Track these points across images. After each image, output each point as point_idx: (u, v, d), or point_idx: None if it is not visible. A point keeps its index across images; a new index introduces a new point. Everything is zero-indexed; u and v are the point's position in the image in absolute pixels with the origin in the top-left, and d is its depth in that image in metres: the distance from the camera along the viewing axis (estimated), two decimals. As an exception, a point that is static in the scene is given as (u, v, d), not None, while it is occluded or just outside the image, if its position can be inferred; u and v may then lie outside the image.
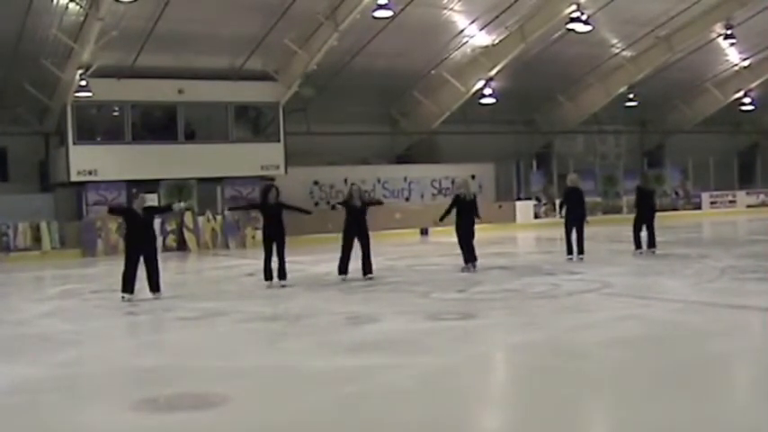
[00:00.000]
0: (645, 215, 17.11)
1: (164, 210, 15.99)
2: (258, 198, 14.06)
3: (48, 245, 22.75)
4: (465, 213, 14.90)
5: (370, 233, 14.04)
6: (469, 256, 14.94)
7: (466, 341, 8.35)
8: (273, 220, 13.41)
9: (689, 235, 23.64)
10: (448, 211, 15.15)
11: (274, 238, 13.33)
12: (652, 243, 16.89)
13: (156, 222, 22.91)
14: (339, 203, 14.87)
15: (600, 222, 27.98)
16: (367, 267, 13.95)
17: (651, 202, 17.58)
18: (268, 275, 13.38)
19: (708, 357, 7.30)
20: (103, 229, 22.79)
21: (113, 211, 14.22)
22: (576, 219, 16.18)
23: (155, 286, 12.49)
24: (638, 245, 16.93)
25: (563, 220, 16.51)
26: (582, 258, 15.90)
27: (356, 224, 13.94)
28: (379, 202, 16.65)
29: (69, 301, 13.12)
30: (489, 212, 25.12)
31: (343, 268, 13.96)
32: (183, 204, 17.81)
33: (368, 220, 14.15)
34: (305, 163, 27.00)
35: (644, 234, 17.01)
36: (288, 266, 13.92)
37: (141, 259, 12.36)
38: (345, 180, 28.95)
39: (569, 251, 16.09)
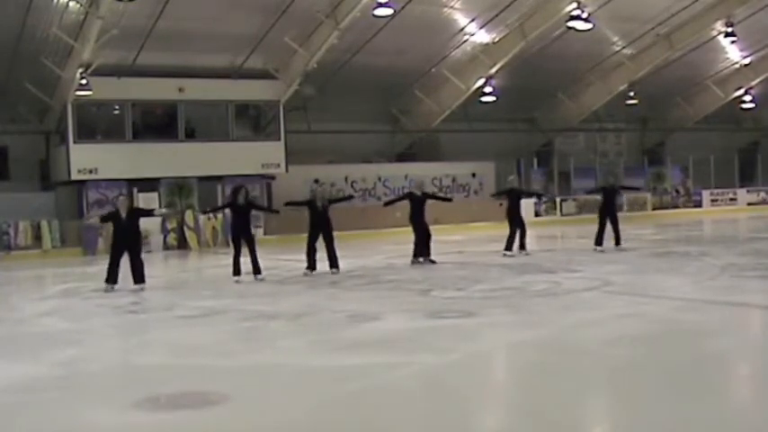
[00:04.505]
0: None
1: (146, 213, 16.35)
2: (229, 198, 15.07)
3: (48, 243, 22.75)
4: (416, 208, 16.03)
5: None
6: (422, 250, 15.89)
7: (466, 339, 8.34)
8: (242, 219, 14.35)
9: (689, 233, 23.64)
10: (395, 201, 16.91)
11: (243, 236, 14.21)
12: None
13: (157, 222, 23.35)
14: (299, 203, 15.88)
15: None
16: (333, 262, 14.92)
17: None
18: (236, 271, 14.10)
19: (708, 355, 7.30)
20: (104, 227, 22.74)
21: (105, 219, 15.05)
22: (517, 216, 17.20)
23: (138, 278, 13.54)
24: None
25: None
26: (527, 254, 16.70)
27: (319, 224, 14.97)
28: (349, 198, 18.05)
29: (70, 300, 13.12)
30: (490, 210, 25.11)
31: (311, 265, 14.77)
32: (164, 210, 18.92)
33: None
34: (306, 161, 27.00)
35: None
36: (289, 264, 14.17)
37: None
38: (346, 178, 29.01)
39: (508, 247, 16.79)
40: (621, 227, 17.74)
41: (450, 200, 17.96)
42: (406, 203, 16.53)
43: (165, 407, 6.24)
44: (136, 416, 5.96)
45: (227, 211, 23.14)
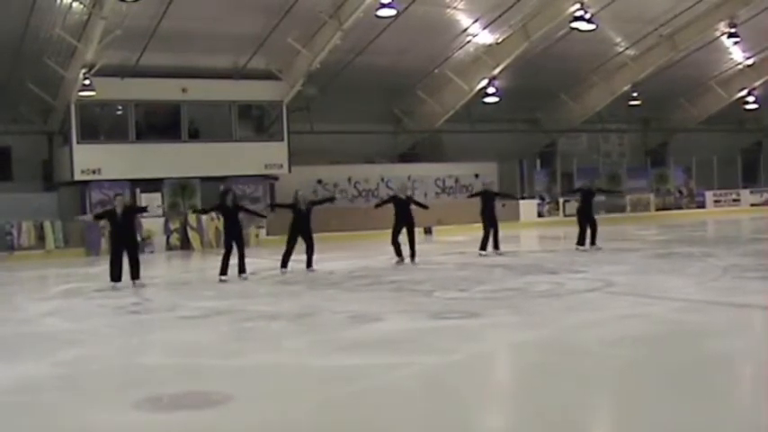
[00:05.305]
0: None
1: (139, 211, 17.66)
2: (219, 200, 15.82)
3: (51, 244, 22.77)
4: (400, 210, 16.76)
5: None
6: (410, 250, 16.49)
7: (469, 340, 8.34)
8: (231, 221, 14.88)
9: (692, 233, 23.60)
10: (383, 203, 17.45)
11: (233, 237, 14.73)
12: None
13: (160, 222, 23.40)
14: (282, 206, 16.99)
15: (603, 221, 27.91)
16: (309, 262, 15.54)
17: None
18: (224, 271, 14.53)
19: (710, 356, 7.29)
20: (107, 227, 22.74)
21: (99, 216, 15.82)
22: (490, 217, 17.76)
23: (135, 275, 14.09)
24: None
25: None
26: (500, 253, 17.32)
27: (301, 225, 15.62)
28: (332, 199, 18.68)
29: (72, 300, 13.13)
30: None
31: (284, 263, 15.40)
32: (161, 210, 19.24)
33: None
34: (308, 162, 27.01)
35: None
36: (290, 265, 14.92)
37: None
38: (349, 179, 29.01)
39: (483, 247, 17.49)
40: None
41: (426, 207, 18.45)
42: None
43: (166, 407, 6.24)
44: (137, 416, 5.96)
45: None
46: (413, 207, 17.12)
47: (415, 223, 17.00)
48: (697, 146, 34.58)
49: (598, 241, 17.96)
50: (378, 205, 17.85)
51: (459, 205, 29.00)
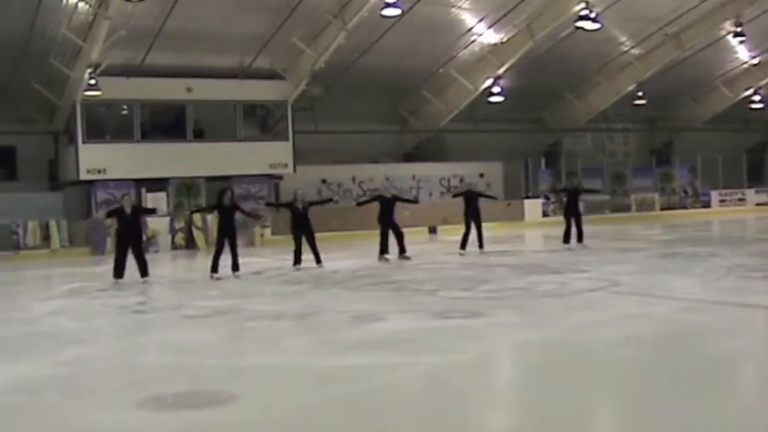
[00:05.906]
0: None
1: (148, 211, 18.63)
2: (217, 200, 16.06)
3: (57, 243, 22.82)
4: (386, 209, 17.09)
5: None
6: (386, 247, 16.94)
7: (472, 340, 8.33)
8: (228, 220, 15.19)
9: (697, 233, 23.54)
10: (367, 202, 18.16)
11: (227, 236, 15.06)
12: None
13: (165, 221, 23.44)
14: (280, 205, 17.71)
15: (608, 221, 27.96)
16: (317, 258, 15.97)
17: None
18: (216, 268, 14.84)
19: (715, 356, 7.27)
20: (113, 226, 22.77)
21: (109, 214, 16.06)
22: (473, 216, 17.93)
23: (143, 272, 14.52)
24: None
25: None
26: (483, 253, 17.46)
27: (300, 224, 16.14)
28: (329, 201, 19.22)
29: (77, 300, 13.15)
30: (498, 210, 25.12)
31: (296, 260, 15.95)
32: (165, 210, 19.48)
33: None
34: (313, 161, 27.05)
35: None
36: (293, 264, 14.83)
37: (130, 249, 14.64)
38: (353, 178, 29.03)
39: (463, 246, 17.67)
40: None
41: (416, 202, 19.14)
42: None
43: (169, 406, 6.25)
44: (141, 415, 5.97)
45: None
46: (402, 205, 17.42)
47: (400, 224, 17.27)
48: (702, 145, 34.51)
49: (585, 240, 18.23)
50: (360, 203, 18.27)
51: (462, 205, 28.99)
